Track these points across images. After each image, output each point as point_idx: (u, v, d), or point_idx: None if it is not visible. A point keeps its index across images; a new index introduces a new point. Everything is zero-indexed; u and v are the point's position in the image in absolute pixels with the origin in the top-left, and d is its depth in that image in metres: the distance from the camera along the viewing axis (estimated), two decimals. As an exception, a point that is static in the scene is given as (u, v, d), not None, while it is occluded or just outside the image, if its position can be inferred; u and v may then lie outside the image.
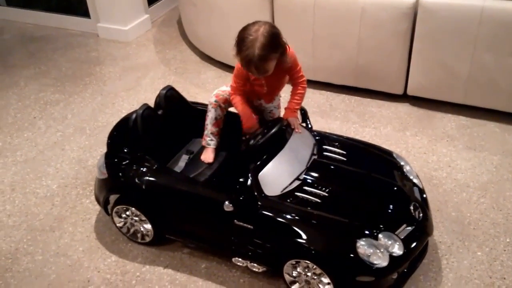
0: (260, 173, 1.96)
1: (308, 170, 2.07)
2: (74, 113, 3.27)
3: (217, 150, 2.35)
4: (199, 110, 2.48)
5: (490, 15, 2.65)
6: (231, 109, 2.33)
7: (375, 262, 1.79)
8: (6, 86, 3.60)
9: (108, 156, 2.23)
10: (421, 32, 2.87)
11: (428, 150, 2.76)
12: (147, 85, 3.53)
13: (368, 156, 2.26)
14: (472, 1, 2.67)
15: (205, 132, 2.34)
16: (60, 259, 2.24)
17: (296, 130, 2.17)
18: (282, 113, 2.30)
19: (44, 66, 3.85)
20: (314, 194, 1.98)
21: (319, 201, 1.95)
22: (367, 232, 1.85)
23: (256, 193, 1.93)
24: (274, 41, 1.96)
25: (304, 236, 1.85)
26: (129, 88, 3.50)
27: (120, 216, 2.23)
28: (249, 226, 1.94)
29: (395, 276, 1.87)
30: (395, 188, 2.07)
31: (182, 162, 2.36)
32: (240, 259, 2.03)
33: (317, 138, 2.26)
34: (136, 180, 2.11)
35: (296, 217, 1.90)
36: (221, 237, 2.07)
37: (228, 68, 3.61)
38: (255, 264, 2.01)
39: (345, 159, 2.16)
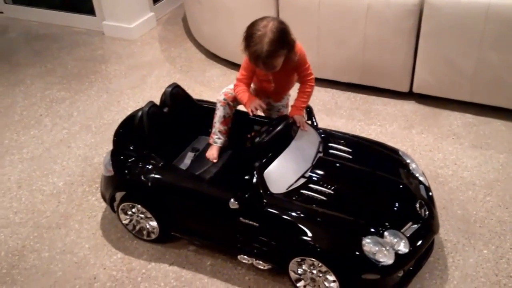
0: (266, 171, 1.96)
1: (313, 167, 2.07)
2: (80, 111, 3.28)
3: (222, 149, 2.35)
4: (204, 108, 2.48)
5: (496, 12, 2.63)
6: (239, 108, 2.33)
7: (380, 260, 1.79)
8: (12, 84, 3.62)
9: (114, 154, 2.24)
10: (426, 29, 2.86)
11: (434, 148, 2.75)
12: (152, 83, 3.54)
13: (374, 154, 2.26)
14: (479, -2, 2.66)
15: (213, 130, 2.33)
16: (66, 256, 2.25)
17: (302, 128, 2.17)
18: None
19: (49, 64, 3.86)
20: (320, 191, 1.98)
21: (324, 198, 1.95)
22: (372, 230, 1.85)
23: (261, 191, 1.93)
24: (283, 37, 1.95)
25: (309, 234, 1.85)
26: (135, 86, 3.51)
27: (126, 214, 2.23)
28: (254, 223, 1.94)
29: (400, 274, 1.87)
30: (401, 186, 2.07)
31: (187, 160, 2.36)
32: (245, 257, 2.04)
33: (322, 135, 2.25)
34: (142, 178, 2.12)
35: (302, 215, 1.90)
36: (226, 235, 2.07)
37: (233, 66, 3.61)
38: (261, 262, 2.01)
39: (350, 157, 2.16)
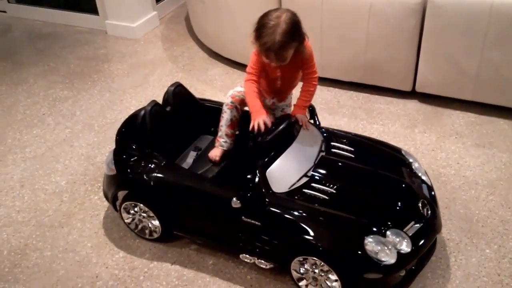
0: (268, 170, 1.96)
1: (316, 166, 2.07)
2: (82, 109, 3.28)
3: (226, 152, 2.33)
4: (207, 107, 2.48)
5: (499, 11, 2.62)
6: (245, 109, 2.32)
7: (383, 259, 1.78)
8: (15, 83, 3.62)
9: (117, 153, 2.24)
10: (429, 28, 2.85)
11: (436, 147, 2.75)
12: (155, 82, 3.54)
13: (376, 153, 2.26)
14: (482, -3, 2.65)
15: (219, 134, 2.31)
16: (68, 255, 2.25)
17: (304, 127, 2.17)
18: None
19: (52, 63, 3.87)
20: (322, 191, 1.97)
21: (327, 198, 1.95)
22: (375, 229, 1.85)
23: (263, 190, 1.93)
24: (295, 29, 1.95)
25: (311, 233, 1.85)
26: (137, 85, 3.51)
27: (128, 212, 2.24)
28: (256, 222, 1.94)
29: (403, 273, 1.87)
30: (404, 185, 2.06)
31: (190, 159, 2.36)
32: (247, 256, 2.04)
33: (325, 134, 2.25)
34: (144, 177, 2.12)
35: (304, 214, 1.90)
36: (228, 234, 2.07)
37: (236, 65, 3.61)
38: (263, 261, 2.01)
39: (353, 156, 2.16)
